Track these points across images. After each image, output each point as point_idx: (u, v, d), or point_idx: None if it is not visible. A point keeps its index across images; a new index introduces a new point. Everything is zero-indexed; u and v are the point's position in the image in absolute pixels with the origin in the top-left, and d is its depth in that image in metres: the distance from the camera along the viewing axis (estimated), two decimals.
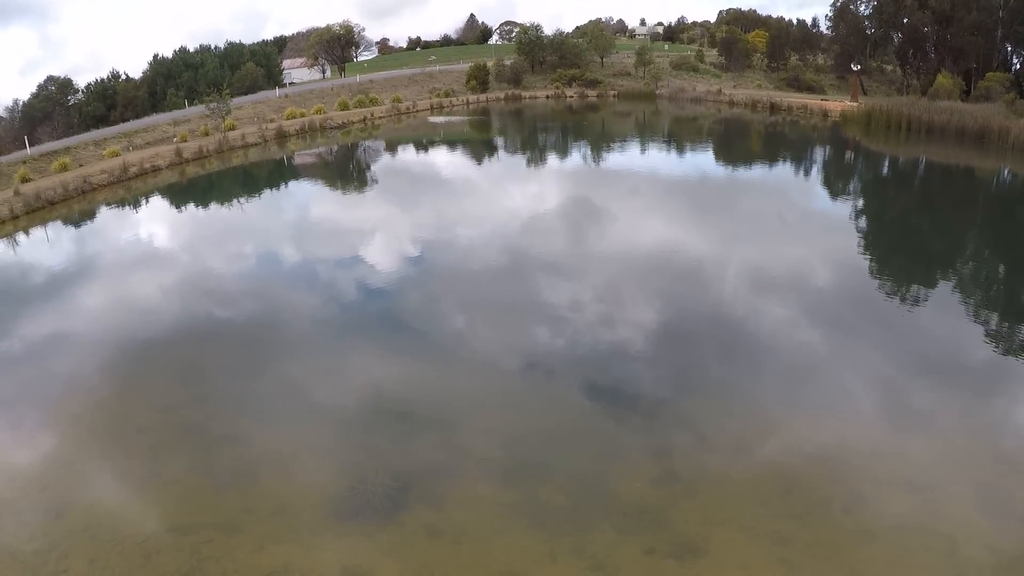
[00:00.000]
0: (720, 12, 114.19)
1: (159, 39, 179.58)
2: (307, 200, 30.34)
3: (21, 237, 25.22)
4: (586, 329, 14.03)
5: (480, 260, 18.85)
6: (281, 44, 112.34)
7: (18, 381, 13.17)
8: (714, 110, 57.85)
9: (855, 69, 55.28)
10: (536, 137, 48.99)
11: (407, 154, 43.31)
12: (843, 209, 25.13)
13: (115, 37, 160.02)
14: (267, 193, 32.74)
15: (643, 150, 40.15)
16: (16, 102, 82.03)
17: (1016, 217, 23.78)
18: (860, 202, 26.61)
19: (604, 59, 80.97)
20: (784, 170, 33.79)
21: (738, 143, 44.12)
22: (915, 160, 35.28)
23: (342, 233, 22.98)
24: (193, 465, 10.01)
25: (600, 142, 43.83)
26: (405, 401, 11.54)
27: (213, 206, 30.10)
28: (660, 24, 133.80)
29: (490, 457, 9.90)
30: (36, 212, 28.21)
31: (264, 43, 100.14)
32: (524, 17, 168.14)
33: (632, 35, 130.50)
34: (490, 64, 75.33)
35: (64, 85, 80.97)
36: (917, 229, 22.59)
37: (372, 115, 56.89)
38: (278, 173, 38.27)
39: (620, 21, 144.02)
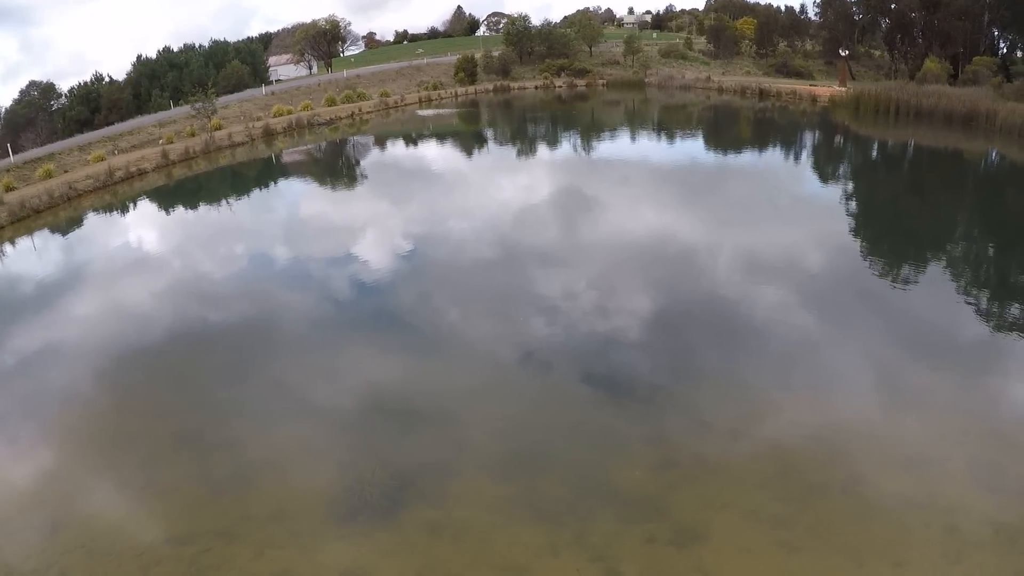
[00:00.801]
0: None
1: (143, 40, 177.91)
2: (296, 198, 30.20)
3: (7, 248, 25.00)
4: (581, 319, 14.00)
5: (473, 253, 18.78)
6: (267, 41, 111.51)
7: (9, 394, 13.05)
8: (703, 97, 57.79)
9: (843, 55, 55.22)
10: (526, 128, 48.87)
11: (396, 148, 43.13)
12: (833, 193, 25.14)
13: (98, 39, 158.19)
14: (256, 193, 32.53)
15: (633, 138, 40.12)
16: None
17: (1005, 198, 23.82)
18: (850, 186, 26.64)
19: (592, 48, 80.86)
20: (774, 155, 33.78)
21: (728, 130, 44.08)
22: (904, 143, 35.34)
23: (332, 231, 22.87)
24: (189, 473, 9.91)
25: (590, 131, 43.76)
26: (401, 398, 11.49)
27: (202, 208, 29.88)
28: (648, 12, 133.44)
29: (488, 451, 9.87)
30: (22, 221, 27.97)
31: (250, 40, 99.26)
32: (512, 8, 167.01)
33: (620, 24, 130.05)
34: (478, 56, 75.13)
35: (47, 90, 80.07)
36: (907, 211, 22.61)
37: (360, 110, 56.67)
38: (266, 172, 38.06)
39: (608, 10, 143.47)
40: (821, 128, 41.39)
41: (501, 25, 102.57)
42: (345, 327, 14.87)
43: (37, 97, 79.24)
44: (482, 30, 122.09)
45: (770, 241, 18.25)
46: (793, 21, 77.65)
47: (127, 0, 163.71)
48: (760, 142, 37.92)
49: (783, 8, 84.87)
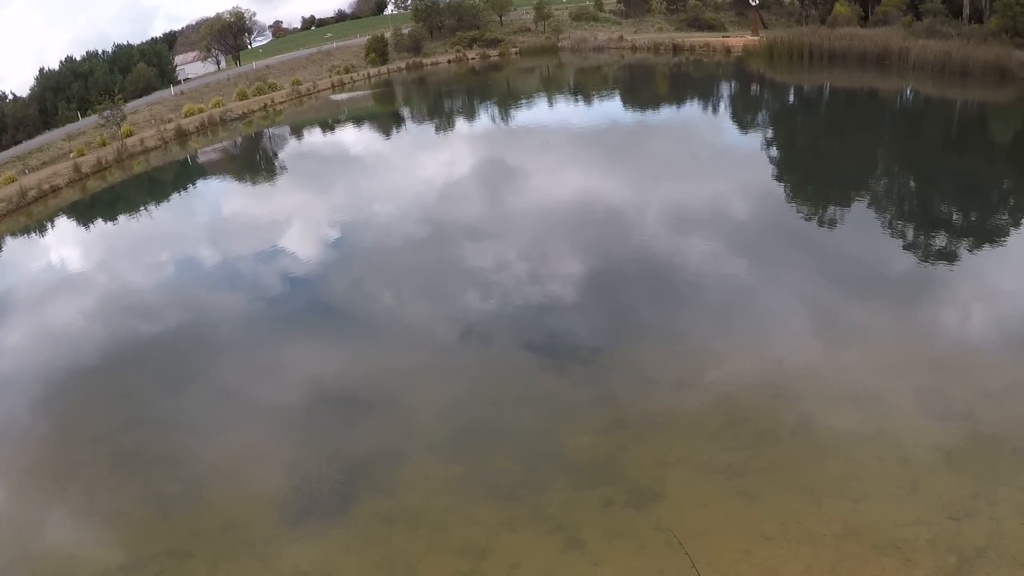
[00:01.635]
0: None
1: (42, 50, 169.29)
2: (217, 198, 29.23)
3: None
4: (516, 289, 13.88)
5: (401, 234, 18.44)
6: (171, 40, 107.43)
7: None
8: (617, 57, 57.82)
9: (753, 4, 55.80)
10: (442, 103, 48.31)
11: (313, 137, 42.14)
12: (754, 141, 25.47)
13: None
14: (175, 197, 31.33)
15: (551, 104, 39.93)
16: None
17: (922, 132, 24.45)
18: (770, 132, 27.02)
19: (503, 17, 79.98)
20: (692, 109, 34.11)
21: (644, 87, 44.27)
22: (819, 87, 36.04)
23: (257, 227, 22.16)
24: (134, 495, 9.49)
25: (507, 101, 43.41)
26: (342, 389, 11.24)
27: (121, 219, 28.61)
28: None
29: (435, 432, 9.70)
30: None
31: (154, 41, 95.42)
32: None
33: None
34: (388, 35, 73.74)
35: None
36: (828, 153, 23.05)
37: (272, 101, 55.17)
38: (183, 174, 36.76)
39: None
40: (737, 78, 41.88)
41: (409, 2, 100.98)
42: (279, 323, 14.43)
43: None
44: (390, 8, 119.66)
45: (696, 194, 18.35)
46: None
47: (22, 12, 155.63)
48: (678, 97, 38.18)
49: None
